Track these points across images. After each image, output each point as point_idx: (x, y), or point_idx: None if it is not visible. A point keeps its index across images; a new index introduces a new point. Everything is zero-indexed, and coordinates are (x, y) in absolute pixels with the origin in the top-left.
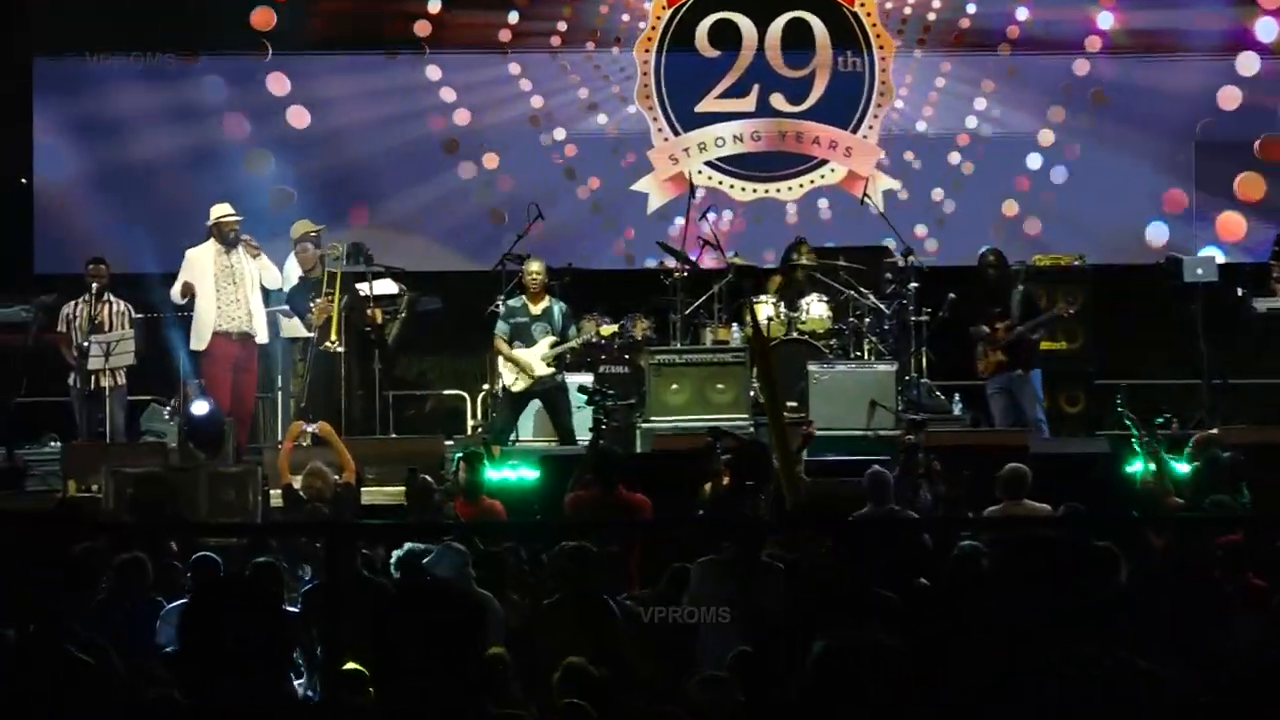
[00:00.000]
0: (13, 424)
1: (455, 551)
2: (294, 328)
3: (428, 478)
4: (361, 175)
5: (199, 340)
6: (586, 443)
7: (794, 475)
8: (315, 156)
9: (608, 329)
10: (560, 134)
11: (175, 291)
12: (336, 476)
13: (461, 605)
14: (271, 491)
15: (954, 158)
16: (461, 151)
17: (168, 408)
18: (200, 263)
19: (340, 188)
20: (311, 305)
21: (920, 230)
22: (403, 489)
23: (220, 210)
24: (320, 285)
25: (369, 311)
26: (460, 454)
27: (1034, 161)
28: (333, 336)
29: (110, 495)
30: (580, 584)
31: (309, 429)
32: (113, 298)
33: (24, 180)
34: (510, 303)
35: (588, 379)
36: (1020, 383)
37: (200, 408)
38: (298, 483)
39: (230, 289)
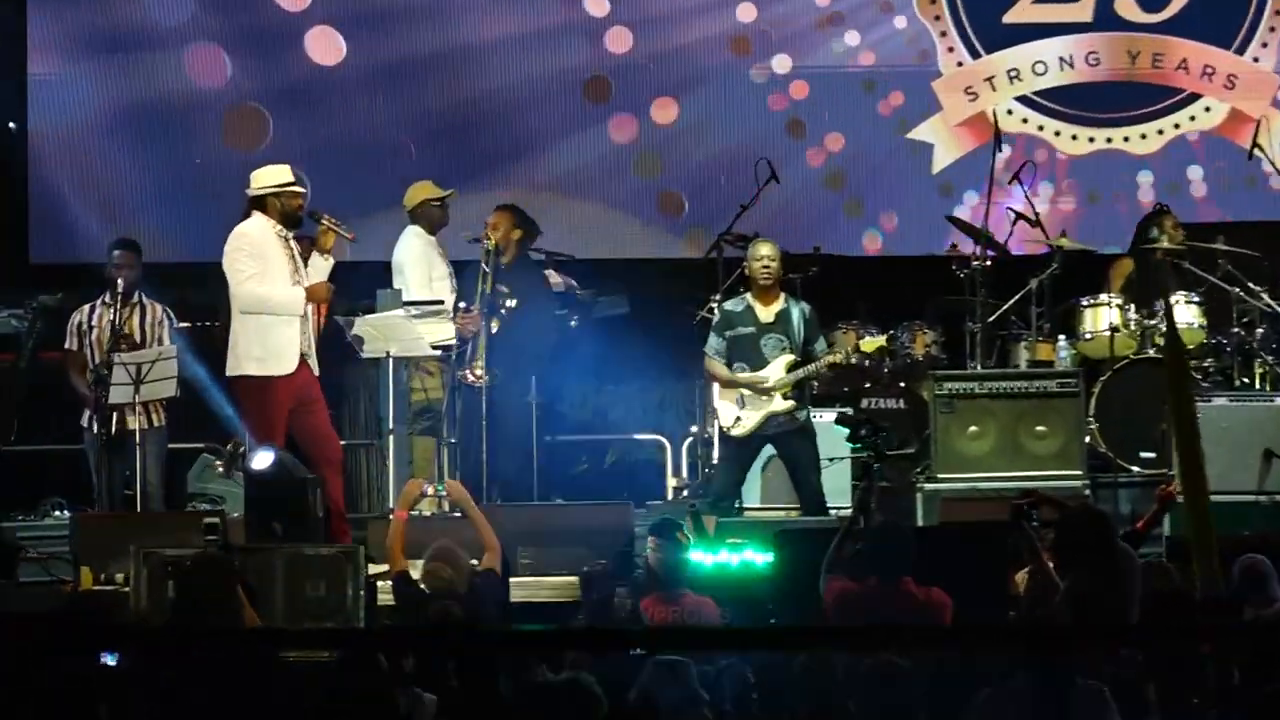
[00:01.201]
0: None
1: (670, 669)
2: (410, 343)
3: (604, 564)
4: (485, 122)
5: (272, 360)
6: (844, 510)
7: (1211, 560)
8: (429, 91)
9: (872, 343)
10: (783, 64)
11: (276, 293)
12: (474, 561)
13: None
14: (379, 582)
15: None
16: (618, 97)
17: (224, 459)
18: (268, 245)
19: (461, 138)
20: (455, 313)
21: None
22: (573, 579)
23: (275, 175)
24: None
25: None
26: (655, 527)
27: None
28: (478, 362)
29: (142, 589)
30: None
31: (432, 490)
32: (146, 300)
33: (11, 125)
34: (728, 306)
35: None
36: None
37: (263, 460)
38: (417, 570)
39: (299, 287)
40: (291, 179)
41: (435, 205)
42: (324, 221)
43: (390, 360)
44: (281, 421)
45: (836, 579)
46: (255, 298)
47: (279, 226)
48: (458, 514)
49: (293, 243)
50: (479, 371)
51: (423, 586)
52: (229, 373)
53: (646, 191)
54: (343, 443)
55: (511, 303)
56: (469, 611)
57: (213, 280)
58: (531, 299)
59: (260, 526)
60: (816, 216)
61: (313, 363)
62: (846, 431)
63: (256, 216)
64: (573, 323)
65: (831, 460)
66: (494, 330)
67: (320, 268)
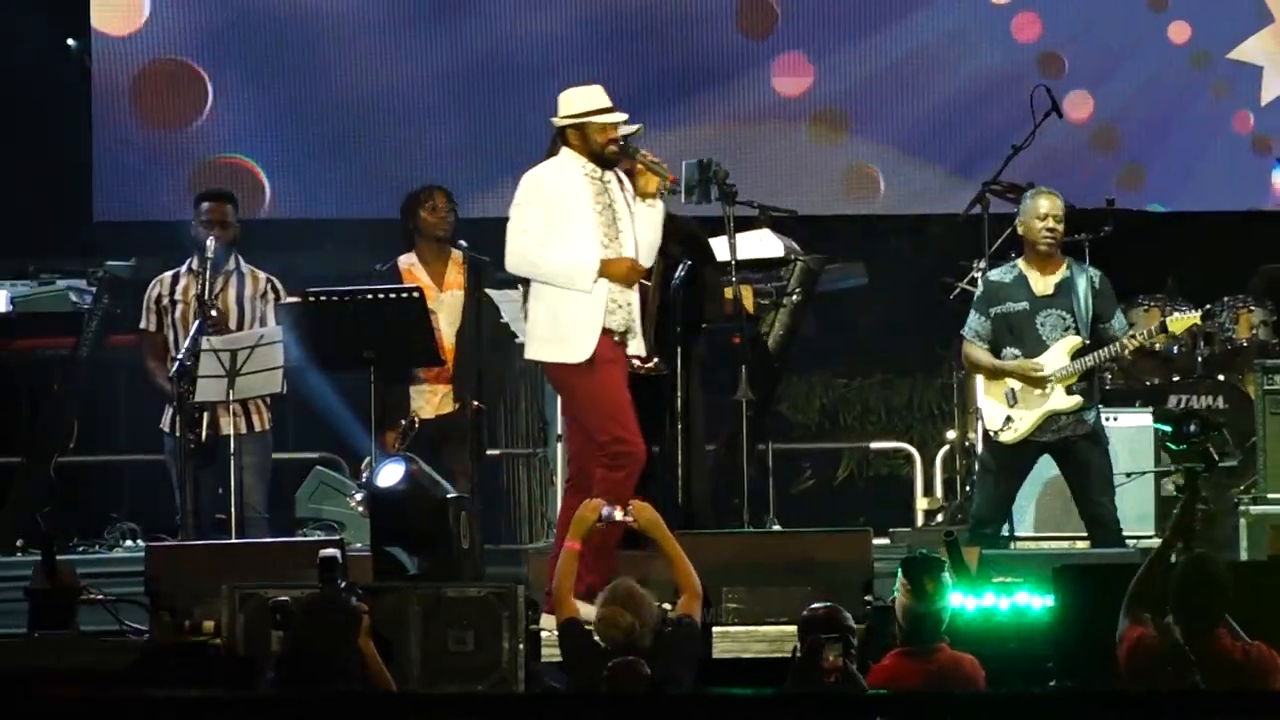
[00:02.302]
0: (54, 505)
1: None
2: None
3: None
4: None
5: (561, 342)
6: (1144, 540)
7: None
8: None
9: (1181, 322)
10: None
11: (546, 261)
12: (667, 606)
13: None
14: (543, 631)
15: None
16: None
17: (360, 480)
18: (567, 196)
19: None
20: None
21: None
22: (792, 629)
23: (582, 99)
24: None
25: (727, 293)
26: (904, 564)
27: None
28: (640, 349)
29: (238, 640)
30: None
31: (620, 515)
32: (245, 266)
33: (71, 42)
34: (995, 275)
35: (1141, 419)
36: None
37: (391, 474)
38: (589, 615)
39: (614, 249)
40: (603, 103)
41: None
42: (640, 159)
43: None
44: (621, 409)
45: (1138, 624)
46: (524, 260)
47: (590, 166)
48: (646, 545)
49: (616, 189)
50: (646, 358)
51: (597, 639)
52: (525, 353)
53: (887, 126)
54: (497, 452)
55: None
56: (657, 670)
57: (331, 243)
58: (705, 268)
59: (390, 560)
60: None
61: (635, 344)
62: (1167, 430)
63: (562, 154)
64: (794, 297)
65: (1130, 475)
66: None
67: (648, 222)
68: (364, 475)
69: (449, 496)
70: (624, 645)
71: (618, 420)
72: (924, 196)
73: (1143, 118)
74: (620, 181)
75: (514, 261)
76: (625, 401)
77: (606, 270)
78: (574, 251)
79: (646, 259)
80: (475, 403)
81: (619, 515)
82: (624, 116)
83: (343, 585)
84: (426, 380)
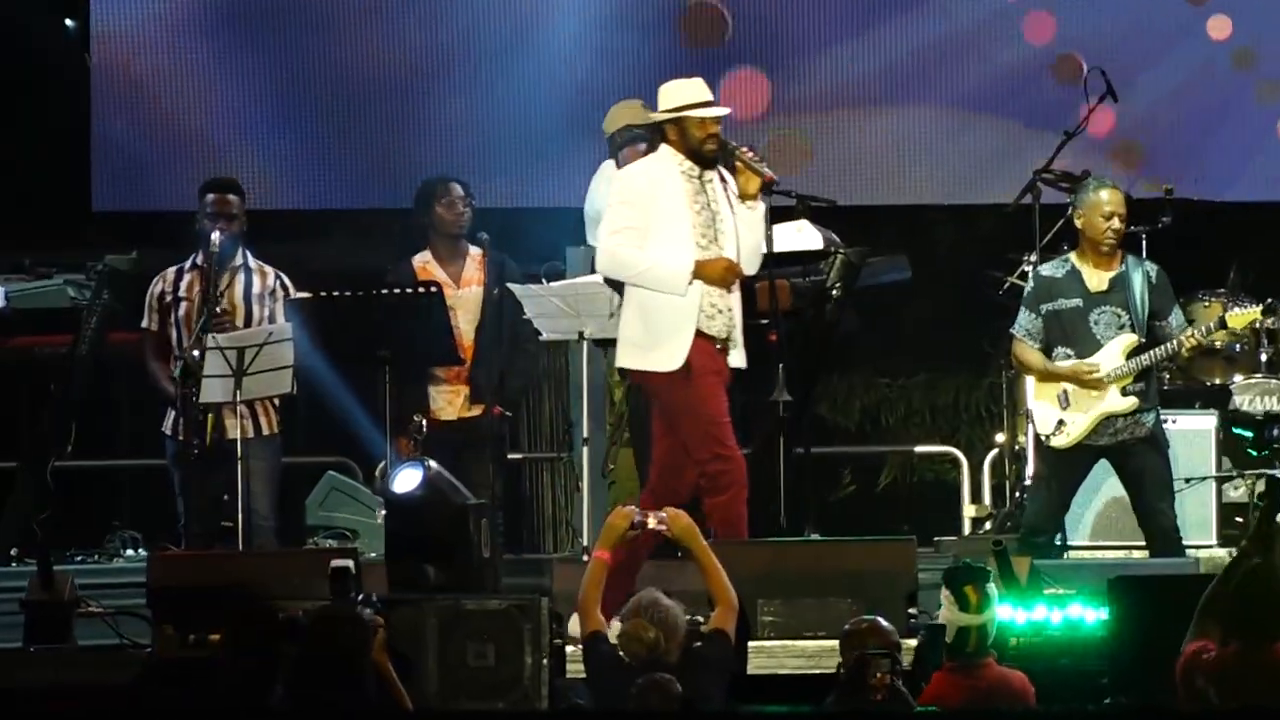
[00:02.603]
0: (51, 512)
1: None
2: (612, 321)
3: (883, 623)
4: None
5: (654, 349)
6: (1205, 550)
7: None
8: None
9: (1242, 317)
10: None
11: (625, 258)
12: (699, 618)
13: None
14: (568, 646)
15: None
16: None
17: (375, 487)
18: (663, 195)
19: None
20: None
21: None
22: (832, 644)
23: (681, 92)
24: None
25: (763, 288)
26: (949, 575)
27: None
28: (741, 360)
29: (245, 652)
30: None
31: (654, 522)
32: (253, 261)
33: (69, 23)
34: (1046, 270)
35: (1206, 421)
36: None
37: (407, 479)
38: (614, 630)
39: (713, 252)
40: (702, 96)
41: (638, 133)
42: (740, 158)
43: (585, 345)
44: (717, 424)
45: (1202, 637)
46: (615, 262)
47: (688, 164)
48: (681, 554)
49: (717, 188)
50: None
51: (621, 654)
52: (616, 360)
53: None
54: (519, 456)
55: None
56: (686, 688)
57: (343, 235)
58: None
59: (406, 570)
60: (1162, 148)
61: (737, 355)
62: (1248, 436)
63: (660, 150)
64: (834, 292)
65: (1189, 481)
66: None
67: (748, 223)
68: (377, 482)
69: (468, 503)
70: (648, 661)
71: (715, 436)
72: (974, 186)
73: (1172, 128)
74: (724, 181)
75: (605, 263)
76: (724, 416)
77: (702, 272)
78: (668, 253)
79: (749, 264)
80: (498, 407)
81: (652, 523)
82: (724, 111)
83: (359, 597)
84: (447, 380)
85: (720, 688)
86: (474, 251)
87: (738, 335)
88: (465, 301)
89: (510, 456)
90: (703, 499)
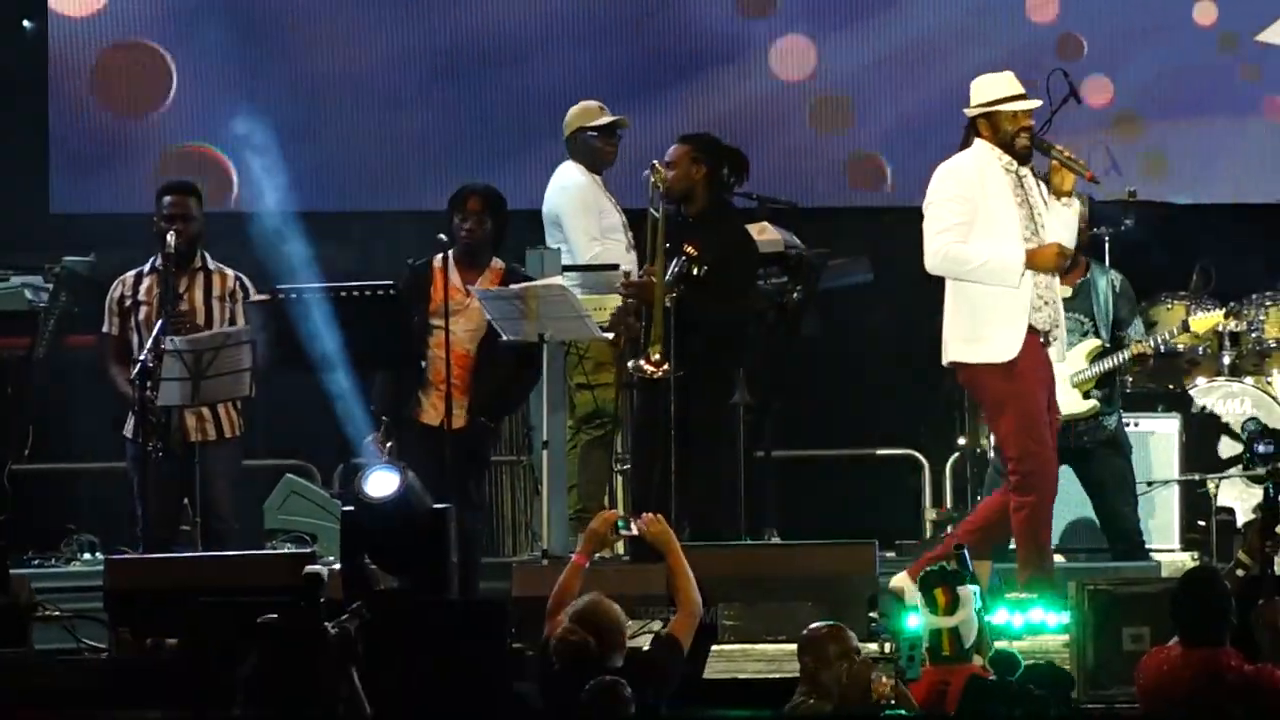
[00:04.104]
0: (8, 516)
1: None
2: (573, 323)
3: (844, 628)
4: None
5: (982, 343)
6: (1168, 554)
7: None
8: None
9: (1205, 321)
10: None
11: None
12: (659, 625)
13: None
14: (528, 651)
15: None
16: None
17: (333, 490)
18: (986, 190)
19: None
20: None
21: None
22: (792, 648)
23: (996, 85)
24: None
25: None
26: (924, 576)
27: None
28: (655, 347)
29: (205, 657)
30: None
31: (632, 528)
32: (212, 264)
33: (27, 24)
34: None
35: (1168, 424)
36: None
37: (383, 483)
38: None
39: (1035, 244)
40: (1013, 90)
41: (593, 135)
42: (1056, 155)
43: (545, 347)
44: (1035, 421)
45: (1171, 645)
46: (946, 259)
47: (1005, 158)
48: (653, 558)
49: (1033, 184)
50: (656, 359)
51: (553, 658)
52: (945, 355)
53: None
54: None
55: (697, 270)
56: (642, 690)
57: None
58: (730, 262)
59: (363, 575)
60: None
61: (1057, 350)
62: (1250, 453)
63: (975, 145)
64: (795, 295)
65: (1151, 484)
66: (668, 305)
67: (1062, 220)
68: (336, 484)
69: (435, 508)
70: (579, 666)
71: (1030, 434)
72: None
73: (1166, 103)
74: (1036, 176)
75: (936, 261)
76: (1040, 414)
77: (1034, 261)
78: (998, 246)
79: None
80: (484, 419)
81: (634, 528)
82: (1035, 103)
83: (352, 607)
84: (436, 385)
85: (664, 692)
86: (496, 264)
87: (1061, 330)
88: (470, 311)
89: None
90: (1011, 497)
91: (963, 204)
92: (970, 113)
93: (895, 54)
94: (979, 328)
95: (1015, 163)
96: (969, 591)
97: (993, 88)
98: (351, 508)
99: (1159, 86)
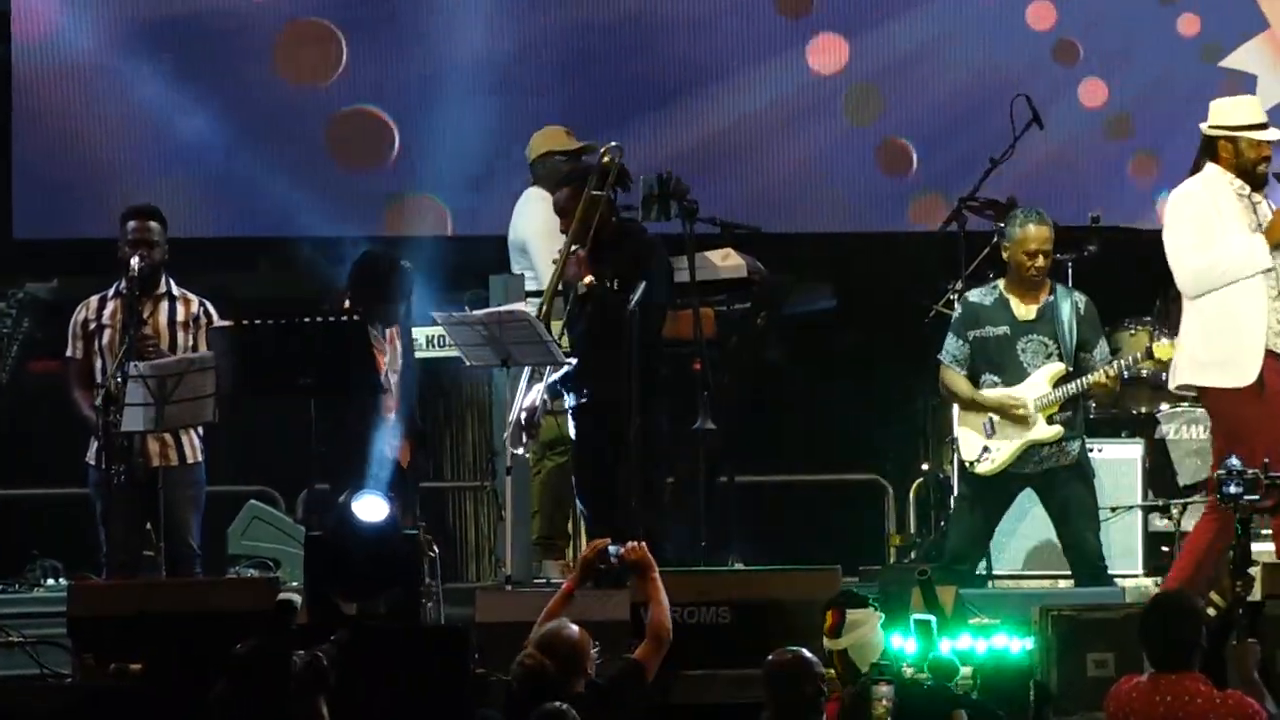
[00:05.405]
0: None
1: None
2: (538, 348)
3: (808, 654)
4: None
5: (1215, 366)
6: (1131, 579)
7: None
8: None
9: (1168, 347)
10: None
11: None
12: (628, 653)
13: None
14: (491, 677)
15: None
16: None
17: (297, 516)
18: (1218, 212)
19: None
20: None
21: None
22: (755, 674)
23: (1233, 110)
24: None
25: (686, 315)
26: (875, 600)
27: None
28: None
29: (168, 683)
30: None
31: (613, 552)
32: (176, 289)
33: None
34: (974, 297)
35: (1132, 450)
36: None
37: (371, 507)
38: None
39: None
40: (1258, 118)
41: (562, 160)
42: None
43: (509, 372)
44: (1274, 443)
45: (1138, 675)
46: (1197, 274)
47: (1239, 183)
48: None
49: (1266, 211)
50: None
51: (511, 679)
52: (1175, 379)
53: (859, 140)
54: (444, 484)
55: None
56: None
57: (267, 264)
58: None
59: (331, 601)
60: (1094, 174)
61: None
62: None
63: (1207, 169)
64: (759, 320)
65: (1115, 510)
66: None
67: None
68: (299, 510)
69: (409, 533)
70: (536, 691)
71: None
72: (899, 213)
73: (1155, 107)
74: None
75: (1191, 281)
76: None
77: (1275, 233)
78: (1232, 238)
79: None
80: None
81: (615, 551)
82: (1278, 135)
83: (331, 639)
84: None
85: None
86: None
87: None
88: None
89: (433, 485)
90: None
91: (1201, 224)
92: (1211, 133)
93: (896, 56)
94: (1214, 350)
95: (1247, 188)
96: (865, 615)
97: (1238, 113)
98: (320, 532)
99: (1150, 91)
